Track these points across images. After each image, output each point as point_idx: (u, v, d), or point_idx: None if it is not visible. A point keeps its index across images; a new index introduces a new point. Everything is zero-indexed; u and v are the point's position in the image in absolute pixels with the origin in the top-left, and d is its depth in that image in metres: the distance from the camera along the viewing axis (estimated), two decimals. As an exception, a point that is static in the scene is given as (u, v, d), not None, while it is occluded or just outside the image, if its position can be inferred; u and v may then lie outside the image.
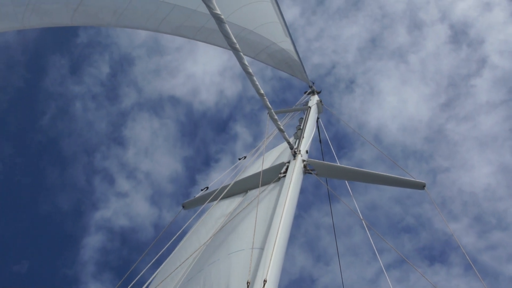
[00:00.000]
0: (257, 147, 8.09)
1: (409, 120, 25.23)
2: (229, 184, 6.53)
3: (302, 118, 8.40)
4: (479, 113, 24.25)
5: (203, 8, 3.72)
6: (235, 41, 4.14)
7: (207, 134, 26.56)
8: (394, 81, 26.74)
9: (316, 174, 6.41)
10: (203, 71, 27.16)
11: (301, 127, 7.77)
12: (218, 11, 3.82)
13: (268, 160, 7.69)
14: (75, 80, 24.37)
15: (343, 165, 6.61)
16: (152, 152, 24.98)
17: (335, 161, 7.42)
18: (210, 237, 5.68)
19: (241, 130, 26.16)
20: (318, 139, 8.87)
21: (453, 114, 24.83)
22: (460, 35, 26.43)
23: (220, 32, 4.00)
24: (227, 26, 3.95)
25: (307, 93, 10.03)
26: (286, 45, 9.44)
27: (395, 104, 26.12)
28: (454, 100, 25.13)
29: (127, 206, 23.06)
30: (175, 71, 26.21)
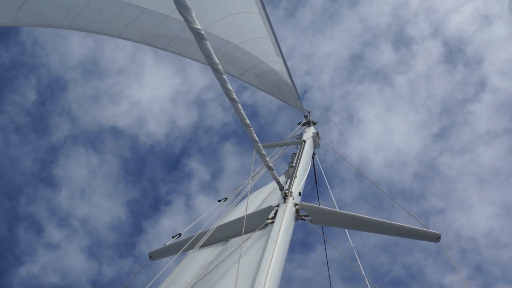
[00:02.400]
0: (240, 187, 8.02)
1: (396, 153, 25.15)
2: (206, 231, 6.40)
3: (295, 154, 8.37)
4: (478, 145, 24.30)
5: (178, 14, 3.62)
6: (217, 61, 4.06)
7: (155, 172, 26.15)
8: (378, 107, 26.75)
9: (310, 221, 6.31)
10: (151, 97, 26.95)
11: (294, 164, 7.72)
12: (198, 25, 3.69)
13: (254, 203, 7.61)
14: (-5, 109, 23.87)
15: (343, 211, 6.51)
16: (90, 195, 24.43)
17: (332, 205, 7.35)
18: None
19: (196, 167, 25.80)
20: (314, 179, 8.81)
21: (448, 146, 24.84)
22: (455, 53, 26.65)
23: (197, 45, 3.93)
24: (208, 43, 3.86)
25: (301, 124, 10.04)
26: (278, 66, 9.46)
27: (379, 135, 26.10)
28: (448, 129, 25.18)
29: (59, 260, 22.35)
30: (117, 97, 25.93)
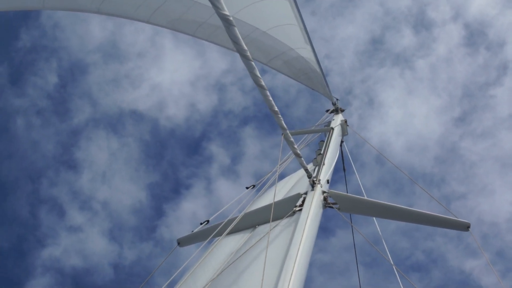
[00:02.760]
0: (267, 175, 8.09)
1: (416, 137, 24.90)
2: (234, 218, 6.48)
3: (323, 142, 8.42)
4: (500, 129, 23.89)
5: (206, 0, 3.69)
6: (245, 47, 4.09)
7: (176, 156, 26.26)
8: (399, 91, 26.47)
9: (339, 209, 6.36)
10: (171, 81, 26.97)
11: (322, 152, 7.78)
12: (227, 11, 3.72)
13: (282, 190, 7.68)
14: (16, 92, 24.13)
15: (372, 199, 6.57)
16: (111, 178, 24.63)
17: (360, 194, 7.40)
18: (208, 282, 5.61)
19: (217, 150, 25.84)
20: (342, 167, 8.85)
21: (469, 130, 24.47)
22: (476, 36, 26.14)
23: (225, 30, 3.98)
24: (236, 30, 3.90)
25: (329, 111, 10.08)
26: (306, 53, 9.48)
27: (399, 119, 25.84)
28: (470, 113, 24.78)
29: (80, 242, 22.65)
30: (137, 80, 25.98)
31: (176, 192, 25.56)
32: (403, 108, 26.49)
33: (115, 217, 23.91)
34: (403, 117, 26.21)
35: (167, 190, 25.62)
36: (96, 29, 25.07)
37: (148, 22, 7.62)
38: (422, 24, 27.35)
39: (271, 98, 4.85)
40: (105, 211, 23.67)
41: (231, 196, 7.79)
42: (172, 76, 27.03)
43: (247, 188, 8.25)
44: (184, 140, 26.72)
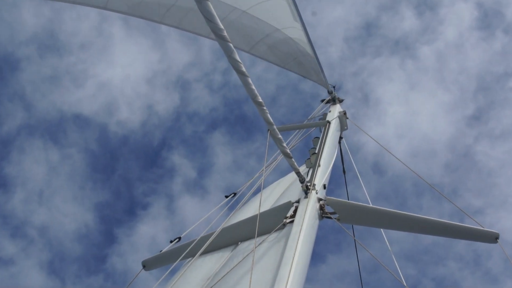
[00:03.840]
0: (251, 180, 8.02)
1: (422, 140, 24.55)
2: (211, 233, 6.40)
3: (318, 138, 8.35)
4: None
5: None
6: (221, 26, 4.07)
7: (130, 169, 25.72)
8: (399, 85, 26.19)
9: (338, 220, 6.32)
10: (122, 78, 26.35)
11: (317, 151, 7.71)
12: None
13: (269, 198, 7.62)
14: None
15: (379, 207, 6.47)
16: (49, 198, 23.99)
17: (364, 200, 7.36)
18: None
19: (180, 162, 25.34)
20: (341, 168, 8.81)
21: (486, 131, 24.27)
22: (492, 17, 26.03)
23: (199, 12, 3.93)
24: (210, 4, 3.88)
25: (325, 101, 10.01)
26: (295, 32, 9.40)
27: (401, 118, 25.52)
28: (486, 110, 24.61)
29: (12, 278, 21.96)
30: (81, 77, 25.26)
31: (130, 214, 25.18)
32: (404, 105, 26.29)
33: (55, 245, 23.35)
34: (405, 117, 25.96)
35: (119, 211, 25.18)
36: (29, 15, 24.43)
37: (105, 8, 7.53)
38: (426, 3, 27.33)
39: (253, 87, 4.72)
40: (43, 238, 23.14)
41: (198, 216, 7.68)
42: (124, 71, 26.55)
43: (226, 197, 8.15)
44: (139, 149, 26.28)
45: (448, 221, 6.41)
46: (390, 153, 8.88)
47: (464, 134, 24.55)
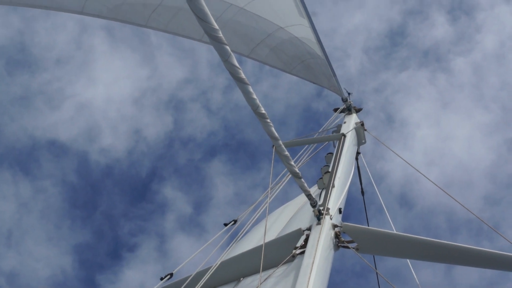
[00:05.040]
0: (254, 204, 8.12)
1: (456, 168, 24.00)
2: (209, 268, 6.44)
3: (332, 154, 8.43)
4: None
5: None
6: (216, 26, 4.18)
7: (114, 204, 25.29)
8: (429, 103, 25.67)
9: (357, 250, 6.38)
10: (105, 98, 25.90)
11: (331, 169, 7.77)
12: None
13: (275, 226, 7.72)
14: None
15: (405, 234, 6.54)
16: (19, 239, 23.62)
17: (387, 226, 7.44)
18: None
19: (173, 195, 24.92)
20: (360, 189, 8.89)
21: None
22: None
23: (190, 12, 4.03)
24: (202, 1, 3.98)
25: (339, 110, 10.10)
26: (302, 31, 9.46)
27: (431, 143, 25.01)
28: None
29: None
30: (57, 98, 24.94)
31: (115, 257, 24.87)
32: (435, 127, 25.92)
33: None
34: (436, 141, 25.53)
35: (102, 254, 24.92)
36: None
37: (81, 12, 7.69)
38: (460, 7, 27.20)
39: (255, 96, 4.75)
40: (12, 286, 23.10)
41: (194, 249, 7.68)
42: (107, 90, 26.28)
43: (225, 225, 8.23)
44: (126, 181, 25.92)
45: (494, 251, 6.37)
46: (419, 172, 8.86)
47: (507, 160, 24.37)
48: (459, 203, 7.70)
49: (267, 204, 6.94)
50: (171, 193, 25.19)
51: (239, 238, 7.46)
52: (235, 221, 8.23)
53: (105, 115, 25.37)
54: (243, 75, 4.55)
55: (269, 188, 7.16)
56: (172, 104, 25.83)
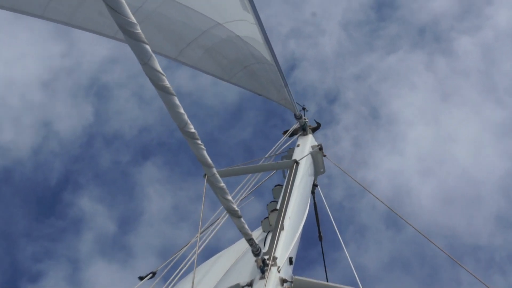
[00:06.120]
0: (180, 251, 8.02)
1: (459, 179, 24.18)
2: None
3: (281, 187, 8.37)
4: None
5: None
6: (133, 19, 3.95)
7: (14, 219, 25.08)
8: (425, 95, 25.80)
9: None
10: (4, 80, 25.57)
11: (279, 206, 7.72)
12: None
13: (207, 279, 7.64)
14: None
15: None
16: None
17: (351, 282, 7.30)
18: None
19: (92, 208, 24.80)
20: (317, 232, 8.77)
21: None
22: None
23: (100, 2, 3.82)
24: None
25: (289, 132, 10.03)
26: (246, 28, 9.42)
27: (428, 146, 25.19)
28: None
29: None
30: None
31: None
32: (433, 126, 26.07)
33: None
34: (434, 143, 25.65)
35: None
36: None
37: None
38: None
39: (182, 111, 4.63)
40: None
41: None
42: (8, 70, 26.10)
43: (140, 278, 8.00)
44: (29, 189, 25.79)
45: None
46: (369, 192, 8.82)
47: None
48: (412, 226, 8.05)
49: (196, 253, 6.67)
50: (89, 205, 24.92)
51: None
52: (154, 274, 7.99)
53: (3, 102, 24.94)
54: (167, 83, 4.41)
55: (199, 233, 6.88)
56: (93, 90, 25.58)
